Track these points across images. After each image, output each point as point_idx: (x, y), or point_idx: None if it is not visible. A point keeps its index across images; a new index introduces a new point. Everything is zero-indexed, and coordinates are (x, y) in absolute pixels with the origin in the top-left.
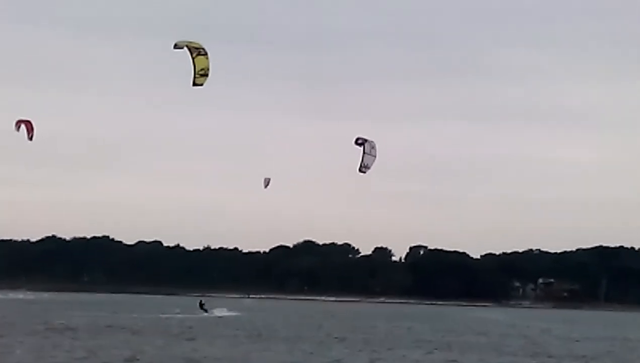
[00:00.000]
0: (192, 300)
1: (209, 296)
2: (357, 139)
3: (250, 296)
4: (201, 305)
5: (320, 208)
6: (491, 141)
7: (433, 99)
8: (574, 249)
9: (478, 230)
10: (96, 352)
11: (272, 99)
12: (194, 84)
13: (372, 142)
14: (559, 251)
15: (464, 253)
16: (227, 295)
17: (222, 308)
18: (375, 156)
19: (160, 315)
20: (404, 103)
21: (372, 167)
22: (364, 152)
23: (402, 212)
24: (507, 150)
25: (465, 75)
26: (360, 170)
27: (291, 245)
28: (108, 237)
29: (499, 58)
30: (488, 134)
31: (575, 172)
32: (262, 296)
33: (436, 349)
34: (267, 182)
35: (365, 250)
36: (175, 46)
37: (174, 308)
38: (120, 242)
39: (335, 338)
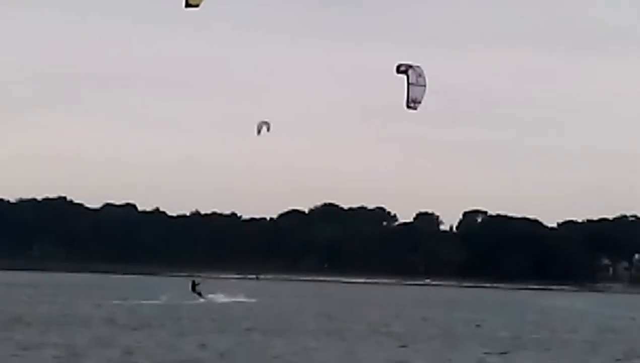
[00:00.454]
0: (178, 282)
1: (199, 276)
2: (399, 66)
3: (260, 277)
4: (194, 288)
5: (345, 162)
6: (571, 74)
7: (489, 15)
8: None
9: (554, 191)
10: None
11: (275, 16)
12: (187, 5)
13: (418, 68)
14: None
15: (536, 220)
16: (222, 275)
17: (220, 294)
18: (425, 85)
19: (137, 302)
20: (450, 22)
21: (413, 113)
22: (408, 83)
23: (453, 167)
24: (594, 85)
25: None
26: (408, 107)
27: (307, 210)
28: (65, 198)
29: None
30: (566, 63)
31: None
32: (269, 276)
33: (509, 352)
34: (260, 127)
35: (405, 216)
36: None
37: (155, 293)
38: (81, 204)
39: (383, 333)
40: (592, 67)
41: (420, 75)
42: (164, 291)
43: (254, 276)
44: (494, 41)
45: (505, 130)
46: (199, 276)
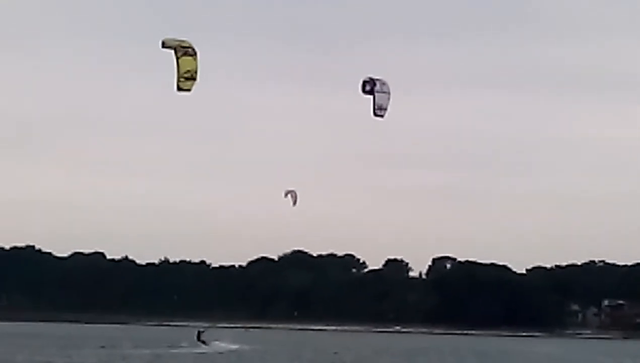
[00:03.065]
0: (150, 331)
1: (167, 325)
2: (364, 84)
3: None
4: (199, 337)
5: (314, 208)
6: (538, 116)
7: (459, 60)
8: None
9: (522, 237)
10: None
11: (250, 62)
12: (179, 89)
13: (381, 79)
14: (630, 264)
15: (504, 266)
16: (191, 324)
17: (222, 342)
18: (389, 93)
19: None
20: (421, 67)
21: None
22: (374, 92)
23: (422, 213)
24: (560, 128)
25: (502, 29)
26: (375, 114)
27: (276, 258)
28: (33, 247)
29: (550, 5)
30: (534, 106)
31: None
32: (237, 325)
33: None
34: (294, 197)
35: (374, 263)
36: (163, 45)
37: (125, 342)
38: (49, 253)
39: None
40: (556, 109)
41: (384, 84)
42: (134, 339)
43: (241, 327)
44: (458, 84)
45: (473, 175)
46: (167, 325)
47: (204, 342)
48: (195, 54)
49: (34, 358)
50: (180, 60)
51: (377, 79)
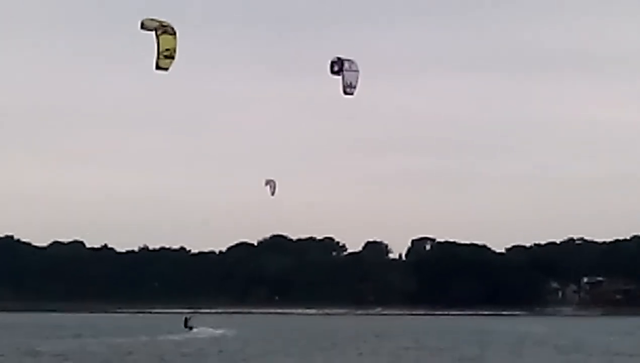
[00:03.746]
0: (132, 319)
1: (149, 312)
2: (332, 65)
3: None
4: (186, 323)
5: (293, 193)
6: (516, 98)
7: (437, 44)
8: (627, 237)
9: (501, 217)
10: None
11: (225, 50)
12: (157, 67)
13: (349, 59)
14: (608, 240)
15: (484, 246)
16: (172, 311)
17: (208, 328)
18: (357, 71)
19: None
20: (399, 51)
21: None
22: (342, 70)
23: (400, 194)
24: (538, 110)
25: (480, 11)
26: (344, 92)
27: (255, 242)
28: (12, 237)
29: None
30: (512, 88)
31: (632, 139)
32: (219, 310)
33: None
34: (272, 187)
35: (354, 246)
36: (142, 26)
37: (113, 330)
38: (29, 243)
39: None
40: (534, 91)
41: (352, 62)
42: (121, 327)
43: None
44: (436, 67)
45: (450, 156)
46: (148, 312)
47: (191, 328)
48: (174, 33)
49: (19, 347)
50: (160, 38)
51: (346, 59)
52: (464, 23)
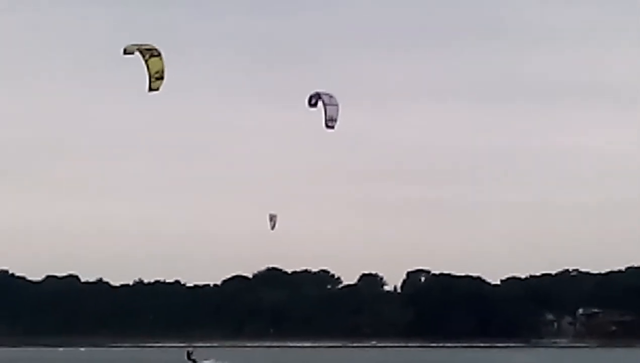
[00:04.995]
0: (129, 353)
1: (143, 346)
2: (310, 99)
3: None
4: (189, 356)
5: (287, 225)
6: (512, 128)
7: (431, 73)
8: (622, 269)
9: (496, 248)
10: None
11: (220, 78)
12: (150, 89)
13: (326, 93)
14: (604, 271)
15: (479, 278)
16: (167, 344)
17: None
18: (337, 105)
19: None
20: (396, 81)
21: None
22: (324, 104)
23: (395, 226)
24: (534, 139)
25: (474, 39)
26: (326, 126)
27: (250, 275)
28: (7, 272)
29: (522, 17)
30: (507, 118)
31: (625, 167)
32: (214, 343)
33: None
34: (273, 221)
35: (349, 278)
36: (125, 52)
37: None
38: (23, 277)
39: None
40: (530, 121)
41: (331, 96)
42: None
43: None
44: (431, 96)
45: (444, 186)
46: (142, 346)
47: (194, 361)
48: (160, 54)
49: None
50: (149, 63)
51: (324, 93)
52: (458, 53)
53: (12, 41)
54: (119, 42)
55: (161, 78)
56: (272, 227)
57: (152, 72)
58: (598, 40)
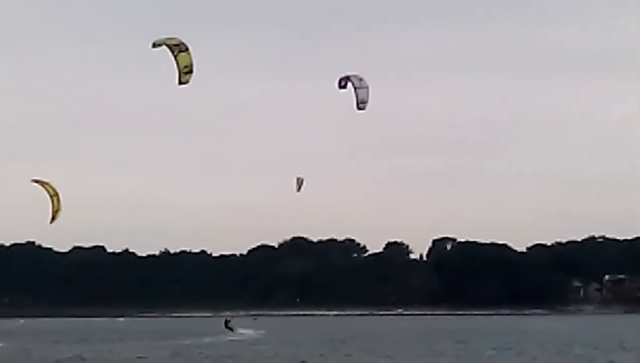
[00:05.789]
0: (159, 323)
1: (170, 316)
2: (340, 81)
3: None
4: (226, 324)
5: (313, 195)
6: (537, 97)
7: (451, 45)
8: None
9: (522, 215)
10: None
11: (243, 54)
12: (180, 83)
13: (356, 75)
14: (630, 237)
15: (505, 245)
16: (193, 314)
17: (248, 330)
18: (367, 87)
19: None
20: (417, 51)
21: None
22: (354, 88)
23: (420, 195)
24: (558, 108)
25: (498, 10)
26: (358, 108)
27: (276, 245)
28: (33, 243)
29: None
30: (532, 87)
31: None
32: (240, 313)
33: None
34: (300, 183)
35: (375, 247)
36: (154, 45)
37: (152, 334)
38: (50, 249)
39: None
40: (553, 90)
41: (361, 79)
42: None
43: (250, 315)
44: (458, 68)
45: (470, 156)
46: (169, 316)
47: (231, 329)
48: (188, 49)
49: (50, 354)
50: (178, 58)
51: (353, 75)
52: (476, 24)
53: (38, 20)
54: (142, 19)
55: (190, 72)
56: (298, 189)
57: (181, 66)
58: (628, 9)
